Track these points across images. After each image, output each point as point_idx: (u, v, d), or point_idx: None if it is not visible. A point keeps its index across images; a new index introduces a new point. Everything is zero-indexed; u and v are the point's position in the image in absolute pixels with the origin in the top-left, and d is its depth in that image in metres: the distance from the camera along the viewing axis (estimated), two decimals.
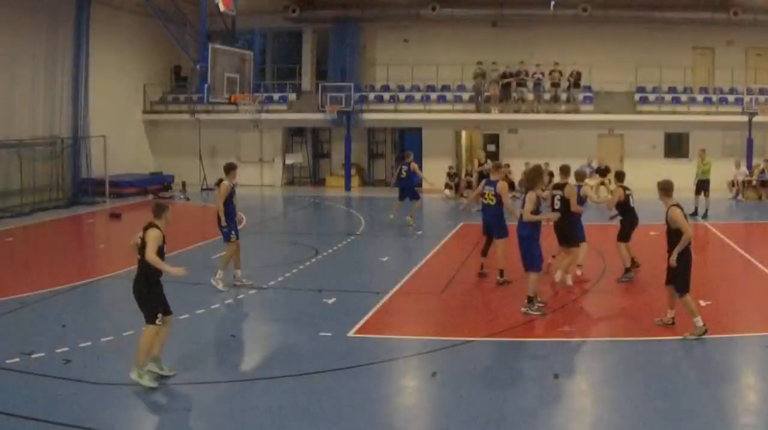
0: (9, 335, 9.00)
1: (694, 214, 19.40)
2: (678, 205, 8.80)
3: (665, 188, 8.94)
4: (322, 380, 7.48)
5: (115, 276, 12.47)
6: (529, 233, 9.89)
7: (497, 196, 11.38)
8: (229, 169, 11.55)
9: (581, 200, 11.54)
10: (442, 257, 14.01)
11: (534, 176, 10.07)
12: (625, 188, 11.92)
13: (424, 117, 27.35)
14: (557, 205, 11.19)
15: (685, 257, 8.66)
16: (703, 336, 8.62)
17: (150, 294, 7.34)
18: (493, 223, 11.58)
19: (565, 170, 11.63)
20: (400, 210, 17.83)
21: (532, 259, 9.90)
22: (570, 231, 11.26)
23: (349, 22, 28.32)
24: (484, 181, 12.20)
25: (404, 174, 17.50)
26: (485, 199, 11.63)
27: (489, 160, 21.51)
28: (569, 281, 11.35)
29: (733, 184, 24.03)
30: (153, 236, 7.18)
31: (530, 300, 9.87)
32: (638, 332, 9.14)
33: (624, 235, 11.93)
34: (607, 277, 12.18)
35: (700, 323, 8.70)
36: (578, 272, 11.82)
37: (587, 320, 9.79)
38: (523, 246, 9.96)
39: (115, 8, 25.63)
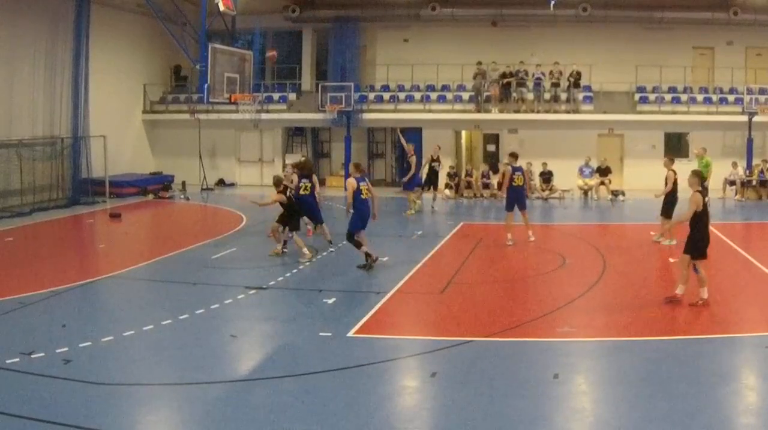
0: (9, 335, 8.99)
1: None
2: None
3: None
4: (322, 380, 7.47)
5: (115, 276, 12.48)
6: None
7: None
8: (307, 166, 14.66)
9: None
10: (442, 257, 14.00)
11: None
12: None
13: (424, 117, 27.35)
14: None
15: None
16: None
17: None
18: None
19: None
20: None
21: None
22: None
23: (349, 22, 28.34)
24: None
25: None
26: None
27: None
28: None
29: (731, 183, 24.01)
30: None
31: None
32: (638, 332, 9.14)
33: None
34: (607, 277, 12.18)
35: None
36: None
37: (587, 320, 9.78)
38: None
39: (115, 8, 25.62)
